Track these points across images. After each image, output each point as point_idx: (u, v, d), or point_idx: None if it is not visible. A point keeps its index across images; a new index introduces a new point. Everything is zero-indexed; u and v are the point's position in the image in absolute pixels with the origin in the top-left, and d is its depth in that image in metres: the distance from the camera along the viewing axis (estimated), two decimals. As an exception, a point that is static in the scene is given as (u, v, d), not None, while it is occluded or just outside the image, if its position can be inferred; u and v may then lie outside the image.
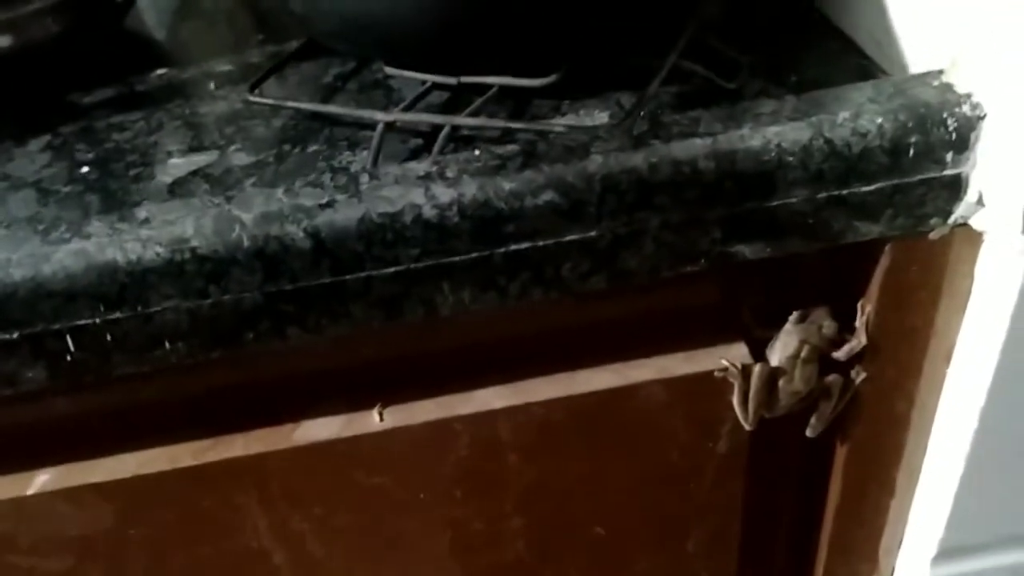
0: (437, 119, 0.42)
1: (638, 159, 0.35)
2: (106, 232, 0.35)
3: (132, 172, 0.45)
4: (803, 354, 0.42)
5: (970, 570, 0.52)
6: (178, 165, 0.44)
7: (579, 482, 0.46)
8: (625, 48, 0.46)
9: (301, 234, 0.35)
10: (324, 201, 0.35)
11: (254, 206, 0.35)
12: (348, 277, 0.36)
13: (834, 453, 0.49)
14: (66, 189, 0.44)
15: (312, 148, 0.44)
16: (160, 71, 0.56)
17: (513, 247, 0.36)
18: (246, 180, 0.42)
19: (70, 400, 0.41)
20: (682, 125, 0.36)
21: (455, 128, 0.42)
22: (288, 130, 0.46)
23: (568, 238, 0.36)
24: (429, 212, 0.35)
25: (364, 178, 0.36)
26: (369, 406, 0.42)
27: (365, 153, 0.44)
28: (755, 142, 0.35)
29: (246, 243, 0.35)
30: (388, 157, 0.43)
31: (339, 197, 0.35)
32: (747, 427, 0.44)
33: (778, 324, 0.43)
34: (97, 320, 0.35)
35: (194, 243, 0.35)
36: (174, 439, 0.42)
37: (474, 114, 0.42)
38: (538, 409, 0.42)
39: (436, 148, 0.40)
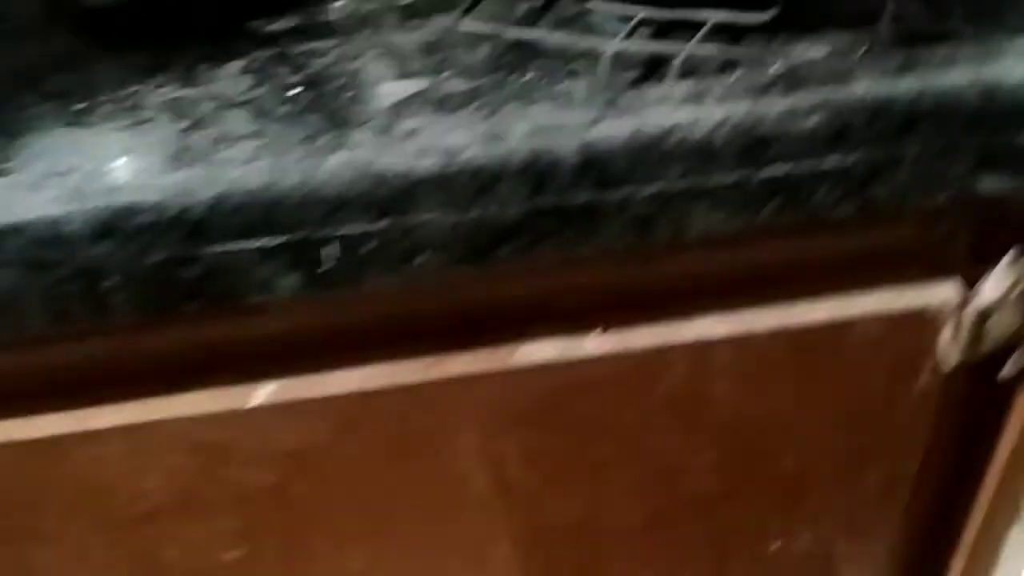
0: (667, 48, 0.42)
1: (904, 86, 0.36)
2: (374, 142, 0.36)
3: (346, 95, 0.45)
4: (1015, 294, 0.43)
5: None
6: (392, 90, 0.45)
7: (777, 416, 0.46)
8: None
9: (570, 150, 0.35)
10: (592, 119, 0.35)
11: (520, 121, 0.36)
12: (608, 196, 0.36)
13: (1015, 399, 0.50)
14: (282, 109, 0.44)
15: (528, 77, 0.44)
16: (339, 2, 0.55)
17: (771, 171, 0.36)
18: (469, 105, 0.43)
19: (297, 314, 0.42)
20: (939, 56, 0.37)
21: (666, 62, 0.42)
22: (495, 59, 0.46)
23: (826, 165, 0.36)
24: (698, 132, 0.35)
25: (625, 98, 0.36)
26: (587, 331, 0.43)
27: (582, 83, 0.44)
28: (1018, 75, 0.36)
29: (516, 157, 0.35)
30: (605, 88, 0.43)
31: (606, 115, 0.36)
32: (950, 366, 0.44)
33: (992, 263, 0.43)
34: (360, 230, 0.36)
35: (466, 155, 0.35)
36: (396, 356, 0.42)
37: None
38: (757, 340, 0.42)
39: (672, 76, 0.40)
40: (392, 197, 0.35)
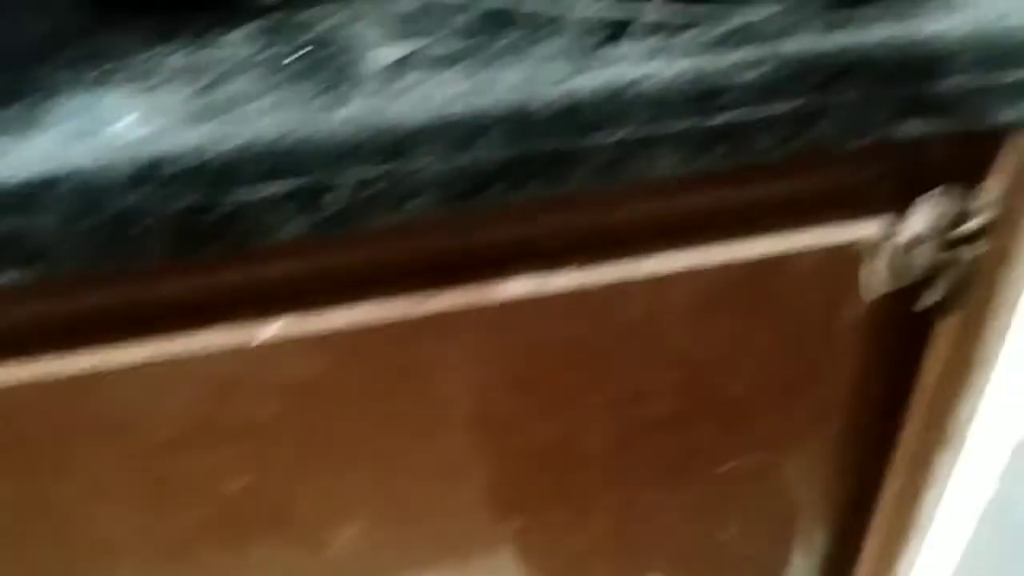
0: (628, 10, 0.47)
1: (833, 41, 0.42)
2: (380, 95, 0.40)
3: (345, 58, 0.49)
4: (931, 232, 0.49)
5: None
6: (387, 53, 0.49)
7: (724, 344, 0.52)
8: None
9: (548, 100, 0.40)
10: (567, 73, 0.41)
11: (505, 76, 0.41)
12: (579, 142, 0.42)
13: (935, 333, 0.56)
14: (288, 71, 0.48)
15: (504, 41, 0.49)
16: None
17: (720, 119, 0.42)
18: (456, 65, 0.47)
19: (302, 255, 0.46)
20: (865, 14, 0.43)
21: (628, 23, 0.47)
22: (477, 22, 0.51)
23: (766, 113, 0.42)
24: (658, 84, 0.41)
25: (595, 56, 0.42)
26: (560, 267, 0.48)
27: (555, 44, 0.49)
28: (929, 28, 0.42)
29: (501, 107, 0.40)
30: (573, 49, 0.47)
31: (578, 71, 0.41)
32: (875, 296, 0.50)
33: (909, 203, 0.50)
34: (364, 175, 0.41)
35: (459, 106, 0.40)
36: (390, 294, 0.47)
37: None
38: (705, 275, 0.48)
39: (636, 35, 0.45)
40: (394, 144, 0.40)
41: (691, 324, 0.51)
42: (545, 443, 0.55)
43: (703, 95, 0.41)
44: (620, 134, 0.41)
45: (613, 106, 0.41)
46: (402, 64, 0.47)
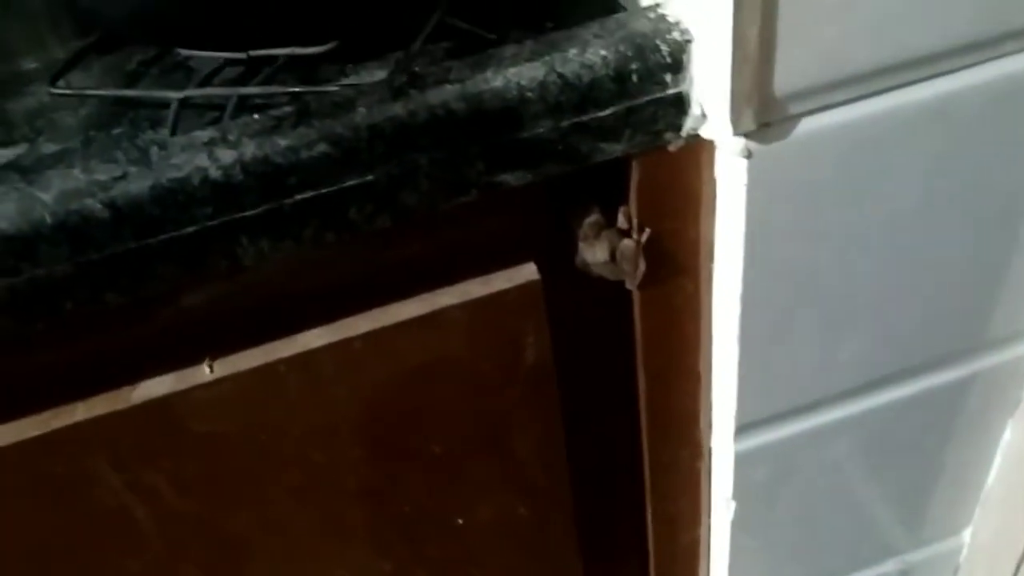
0: (225, 91, 0.46)
1: (398, 107, 0.40)
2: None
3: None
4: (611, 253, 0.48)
5: (770, 440, 0.60)
6: (-5, 156, 0.47)
7: (407, 407, 0.51)
8: (400, 9, 0.51)
9: (99, 206, 0.38)
10: (119, 174, 0.39)
11: (53, 186, 0.39)
12: (150, 240, 0.40)
13: (636, 354, 0.55)
14: None
15: (116, 131, 0.48)
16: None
17: (299, 197, 0.40)
18: (55, 166, 0.45)
19: None
20: (436, 74, 0.41)
21: (245, 98, 0.46)
22: (93, 118, 0.49)
23: (348, 183, 0.41)
24: (215, 173, 0.39)
25: (155, 150, 0.40)
26: (198, 361, 0.46)
27: (165, 131, 0.47)
28: (498, 82, 0.41)
29: (48, 219, 0.38)
30: (187, 132, 0.46)
31: (132, 169, 0.39)
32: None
33: (577, 236, 0.48)
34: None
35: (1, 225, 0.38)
36: (16, 414, 0.45)
37: (263, 83, 0.46)
38: (356, 343, 0.47)
39: (226, 117, 0.44)
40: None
41: (360, 393, 0.49)
42: (243, 538, 0.53)
43: (269, 176, 0.39)
44: (192, 228, 0.40)
45: (174, 201, 0.39)
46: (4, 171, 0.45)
